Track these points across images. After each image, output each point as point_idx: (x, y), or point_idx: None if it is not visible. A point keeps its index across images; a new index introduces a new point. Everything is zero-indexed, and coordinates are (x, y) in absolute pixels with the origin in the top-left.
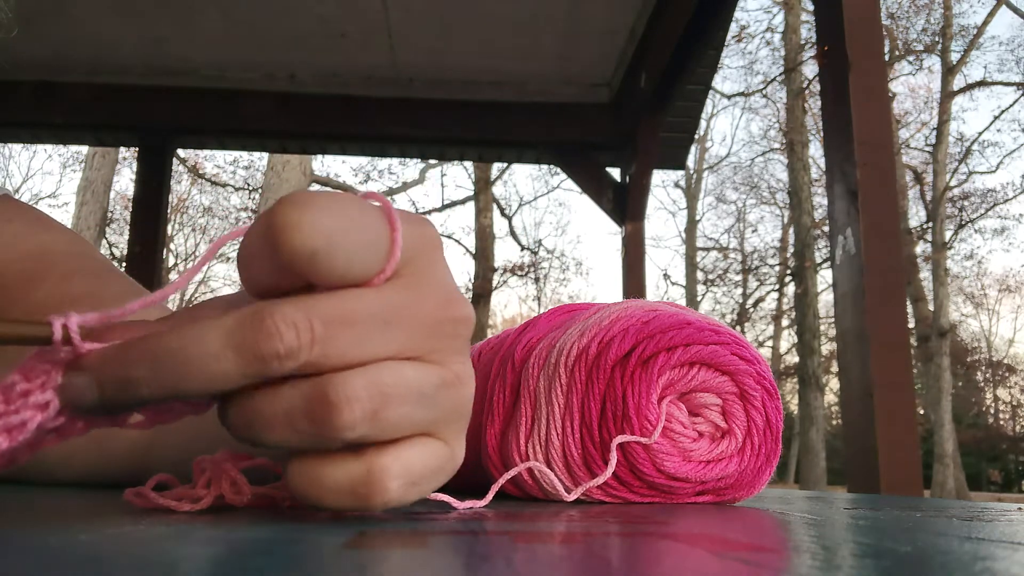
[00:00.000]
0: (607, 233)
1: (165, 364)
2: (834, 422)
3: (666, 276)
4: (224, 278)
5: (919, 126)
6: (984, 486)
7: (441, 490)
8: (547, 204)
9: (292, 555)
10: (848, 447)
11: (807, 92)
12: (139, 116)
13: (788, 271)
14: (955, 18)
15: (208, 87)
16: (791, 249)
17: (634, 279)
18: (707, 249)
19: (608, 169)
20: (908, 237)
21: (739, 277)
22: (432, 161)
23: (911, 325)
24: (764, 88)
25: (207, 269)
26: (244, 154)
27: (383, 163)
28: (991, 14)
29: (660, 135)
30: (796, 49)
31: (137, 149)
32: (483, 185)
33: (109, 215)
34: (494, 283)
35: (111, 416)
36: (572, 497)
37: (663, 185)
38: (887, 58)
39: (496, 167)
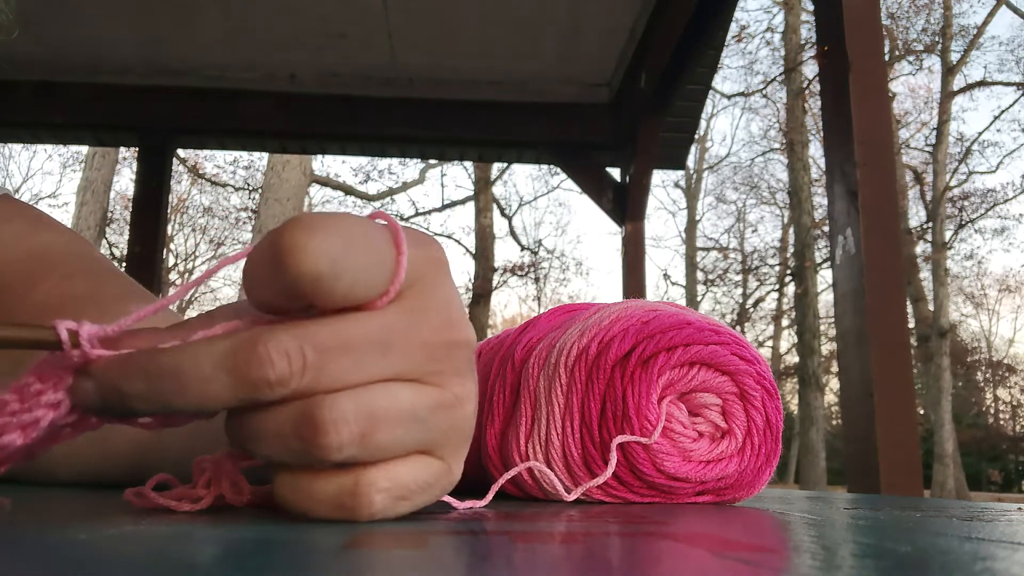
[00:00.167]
0: (607, 233)
1: (160, 381)
2: (834, 422)
3: (666, 276)
4: (225, 278)
5: (919, 126)
6: (984, 486)
7: None
8: (547, 204)
9: (292, 555)
10: (848, 447)
11: (807, 92)
12: (139, 116)
13: (788, 271)
14: (955, 18)
15: (208, 87)
16: (791, 249)
17: (634, 279)
18: (707, 249)
19: (608, 169)
20: (908, 237)
21: (739, 277)
22: (432, 161)
23: (911, 325)
24: (764, 88)
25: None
26: (244, 154)
27: (383, 163)
28: (991, 14)
29: (660, 135)
30: (796, 49)
31: (137, 149)
32: (483, 185)
33: (109, 215)
34: (494, 283)
35: (120, 416)
36: (572, 497)
37: (663, 185)
38: (887, 58)
39: (496, 167)
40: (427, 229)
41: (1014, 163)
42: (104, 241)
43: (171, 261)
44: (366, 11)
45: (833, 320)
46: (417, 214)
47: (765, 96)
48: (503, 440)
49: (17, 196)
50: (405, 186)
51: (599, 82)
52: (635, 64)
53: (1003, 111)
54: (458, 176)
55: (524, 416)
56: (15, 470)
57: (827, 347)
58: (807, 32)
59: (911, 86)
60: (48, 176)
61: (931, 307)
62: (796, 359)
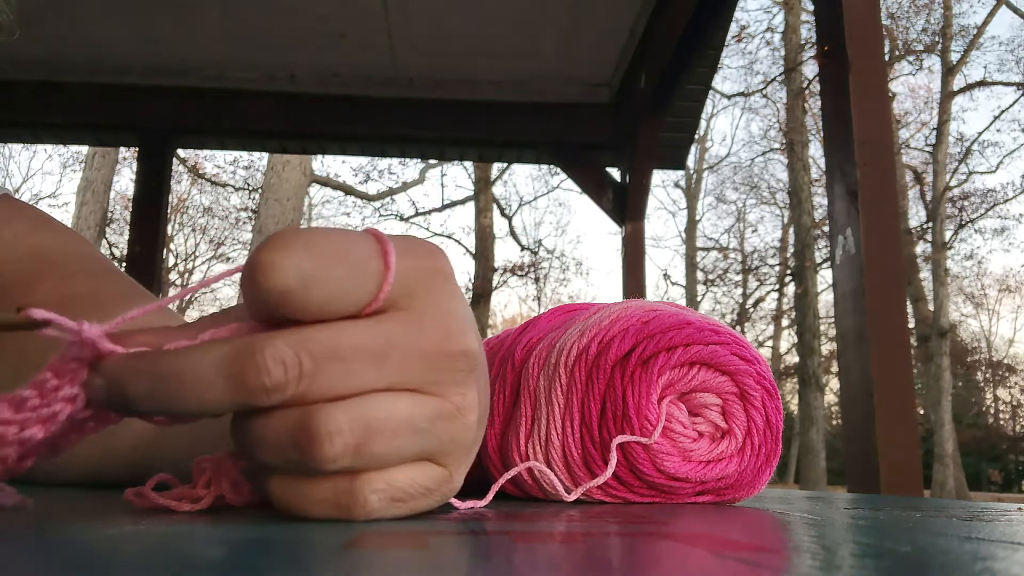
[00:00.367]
0: (607, 233)
1: (162, 385)
2: (834, 422)
3: (666, 276)
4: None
5: (919, 126)
6: (984, 486)
7: None
8: (547, 204)
9: (292, 555)
10: (848, 447)
11: (807, 92)
12: (139, 116)
13: (788, 271)
14: (955, 18)
15: (208, 87)
16: (791, 249)
17: (634, 279)
18: (707, 249)
19: (608, 169)
20: (908, 237)
21: (739, 277)
22: (432, 161)
23: (911, 325)
24: (764, 88)
25: (207, 270)
26: (244, 154)
27: (383, 163)
28: (991, 14)
29: (660, 135)
30: (796, 49)
31: (137, 149)
32: (483, 185)
33: (109, 215)
34: (494, 283)
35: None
36: (572, 497)
37: (663, 185)
38: (887, 58)
39: (496, 167)
40: (427, 229)
41: (1014, 163)
42: (104, 241)
43: (171, 261)
44: (366, 11)
45: (833, 320)
46: (417, 214)
47: (765, 96)
48: (503, 440)
49: (17, 196)
50: (405, 186)
51: (599, 82)
52: (635, 64)
53: (1003, 111)
54: (458, 176)
55: (524, 416)
56: (47, 463)
57: (827, 347)
58: (807, 32)
59: (911, 86)
60: (48, 176)
61: (931, 307)
62: (796, 359)
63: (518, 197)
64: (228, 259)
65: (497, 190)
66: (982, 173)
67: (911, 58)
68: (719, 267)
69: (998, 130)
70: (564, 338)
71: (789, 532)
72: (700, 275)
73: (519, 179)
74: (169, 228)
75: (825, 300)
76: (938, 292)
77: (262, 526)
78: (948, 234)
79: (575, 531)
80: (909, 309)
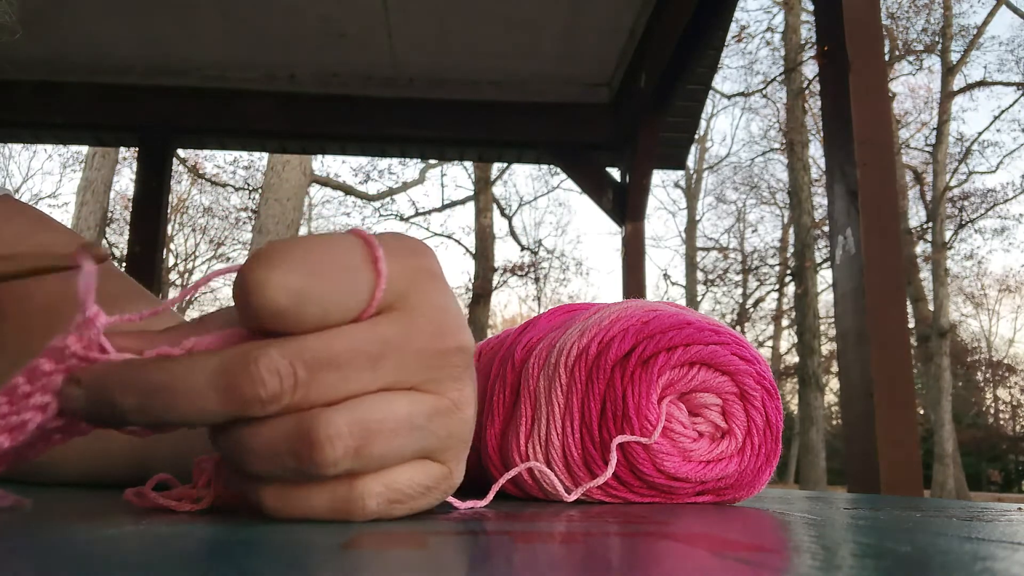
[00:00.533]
0: (607, 233)
1: (153, 397)
2: (834, 422)
3: (666, 276)
4: (225, 278)
5: (919, 126)
6: (984, 486)
7: None
8: (547, 204)
9: (292, 555)
10: (848, 447)
11: (807, 92)
12: (139, 116)
13: (788, 271)
14: (955, 18)
15: (208, 87)
16: (791, 249)
17: (634, 279)
18: (707, 249)
19: (608, 169)
20: (908, 237)
21: (739, 277)
22: (432, 161)
23: (911, 325)
24: (764, 88)
25: (207, 269)
26: (244, 154)
27: (383, 163)
28: (991, 14)
29: (660, 135)
30: (796, 49)
31: (137, 149)
32: (483, 185)
33: (109, 215)
34: (494, 283)
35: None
36: (572, 497)
37: (663, 185)
38: (887, 58)
39: (496, 167)
40: (427, 229)
41: (1014, 163)
42: (104, 241)
43: (171, 261)
44: (366, 11)
45: (833, 320)
46: (417, 214)
47: (765, 96)
48: (503, 440)
49: (17, 196)
50: (405, 186)
51: (599, 82)
52: (635, 64)
53: (1003, 111)
54: (458, 176)
55: (524, 416)
56: (14, 470)
57: (827, 347)
58: (807, 32)
59: (911, 86)
60: (48, 176)
61: (931, 307)
62: (796, 359)
63: (518, 197)
64: (228, 259)
65: (497, 190)
66: (982, 173)
67: (911, 58)
68: (719, 267)
69: (998, 130)
70: (564, 338)
71: (789, 532)
72: (700, 275)
73: (519, 179)
74: (169, 228)
75: (825, 300)
76: (938, 292)
77: (262, 526)
78: (948, 234)
79: (575, 531)
80: (909, 309)
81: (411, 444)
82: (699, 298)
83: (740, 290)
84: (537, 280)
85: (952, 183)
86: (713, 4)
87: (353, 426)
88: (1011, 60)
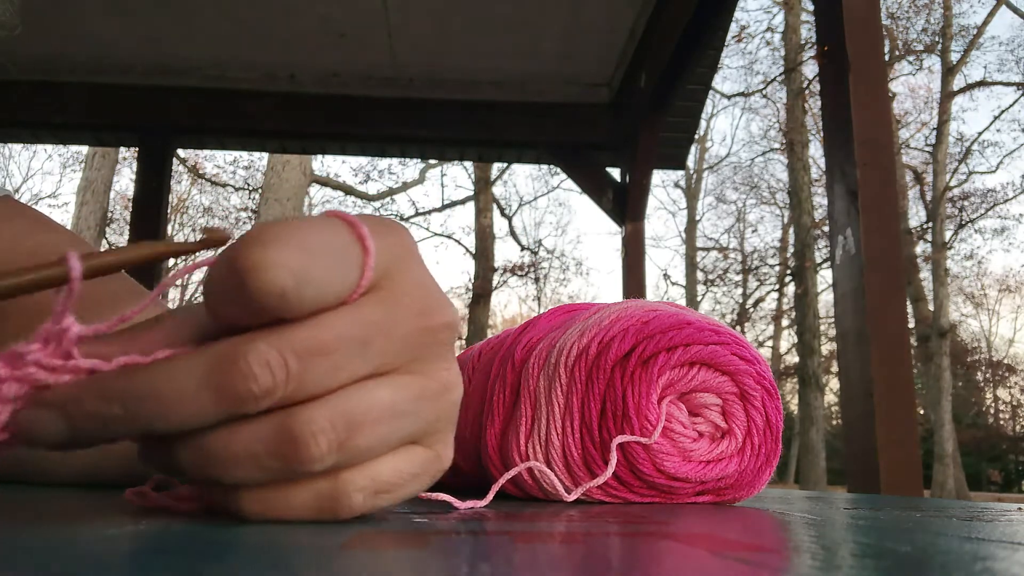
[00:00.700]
0: (607, 233)
1: (139, 404)
2: (834, 422)
3: (666, 276)
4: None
5: (919, 126)
6: (984, 486)
7: (442, 490)
8: (547, 204)
9: (291, 555)
10: (848, 447)
11: (807, 92)
12: (139, 116)
13: (788, 271)
14: (955, 18)
15: (208, 87)
16: (791, 249)
17: (634, 279)
18: (707, 249)
19: (608, 169)
20: (908, 237)
21: (739, 277)
22: (432, 161)
23: (911, 325)
24: (764, 88)
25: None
26: (244, 154)
27: (383, 163)
28: (991, 14)
29: (660, 135)
30: (796, 49)
31: (137, 149)
32: (483, 185)
33: (109, 215)
34: (494, 283)
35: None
36: (572, 497)
37: (663, 185)
38: (887, 58)
39: (496, 167)
40: (427, 229)
41: (1014, 163)
42: (104, 241)
43: (171, 261)
44: (366, 11)
45: (833, 320)
46: (417, 214)
47: (765, 96)
48: (503, 440)
49: (17, 196)
50: (405, 186)
51: (599, 82)
52: (635, 64)
53: (1003, 111)
54: (458, 176)
55: (524, 416)
56: (14, 470)
57: (827, 347)
58: (807, 32)
59: (911, 86)
60: (48, 176)
61: (931, 307)
62: (796, 359)
63: (518, 197)
64: None
65: (497, 190)
66: (982, 173)
67: (911, 58)
68: (719, 267)
69: (998, 130)
70: (564, 338)
71: (789, 532)
72: (700, 275)
73: (519, 179)
74: (169, 228)
75: (825, 300)
76: (938, 292)
77: (262, 526)
78: (948, 234)
79: (575, 531)
80: (909, 309)
81: (397, 432)
82: (699, 298)
83: (740, 290)
84: (537, 280)
85: (952, 183)
86: (713, 4)
87: (336, 420)
88: (1011, 60)
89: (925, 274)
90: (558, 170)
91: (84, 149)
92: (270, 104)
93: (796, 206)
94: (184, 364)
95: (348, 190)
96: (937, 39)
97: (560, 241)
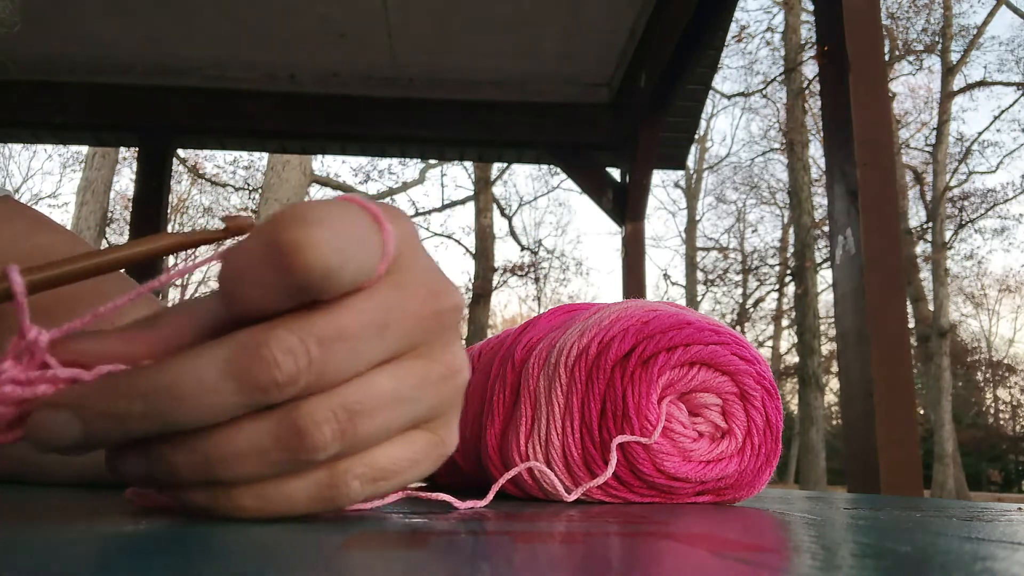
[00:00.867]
0: (607, 233)
1: (159, 399)
2: (834, 422)
3: (666, 276)
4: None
5: (919, 126)
6: (984, 486)
7: (442, 490)
8: (547, 204)
9: (292, 555)
10: (848, 447)
11: (807, 92)
12: (139, 116)
13: (788, 271)
14: (955, 18)
15: (208, 87)
16: (791, 249)
17: (634, 279)
18: (707, 249)
19: (608, 169)
20: (908, 237)
21: (739, 277)
22: (432, 161)
23: (911, 325)
24: (764, 88)
25: (207, 269)
26: (244, 154)
27: (383, 163)
28: (991, 14)
29: (660, 135)
30: (796, 49)
31: (137, 149)
32: (483, 185)
33: (109, 215)
34: (494, 283)
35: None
36: (572, 497)
37: (663, 185)
38: (887, 58)
39: (496, 167)
40: (427, 229)
41: (1014, 163)
42: (104, 241)
43: (171, 261)
44: (366, 11)
45: (833, 320)
46: (417, 214)
47: (765, 96)
48: (503, 440)
49: (17, 196)
50: (405, 186)
51: (599, 82)
52: (635, 64)
53: (1003, 111)
54: (458, 176)
55: (524, 416)
56: (14, 470)
57: (827, 347)
58: (807, 32)
59: (911, 86)
60: (48, 176)
61: (931, 307)
62: (796, 359)
63: (518, 197)
64: None
65: (497, 190)
66: (982, 173)
67: (911, 58)
68: (719, 267)
69: (998, 130)
70: (564, 338)
71: (789, 532)
72: (700, 275)
73: (519, 179)
74: (169, 228)
75: (825, 300)
76: (938, 292)
77: (262, 526)
78: (948, 234)
79: (575, 531)
80: (909, 309)
81: (400, 418)
82: (699, 298)
83: (740, 290)
84: (537, 280)
85: (952, 183)
86: (713, 4)
87: (338, 409)
88: (1011, 60)
89: (925, 274)
90: (558, 170)
91: (84, 149)
92: (270, 104)
93: (796, 206)
94: (204, 355)
95: (348, 190)
96: (937, 39)
97: (560, 241)
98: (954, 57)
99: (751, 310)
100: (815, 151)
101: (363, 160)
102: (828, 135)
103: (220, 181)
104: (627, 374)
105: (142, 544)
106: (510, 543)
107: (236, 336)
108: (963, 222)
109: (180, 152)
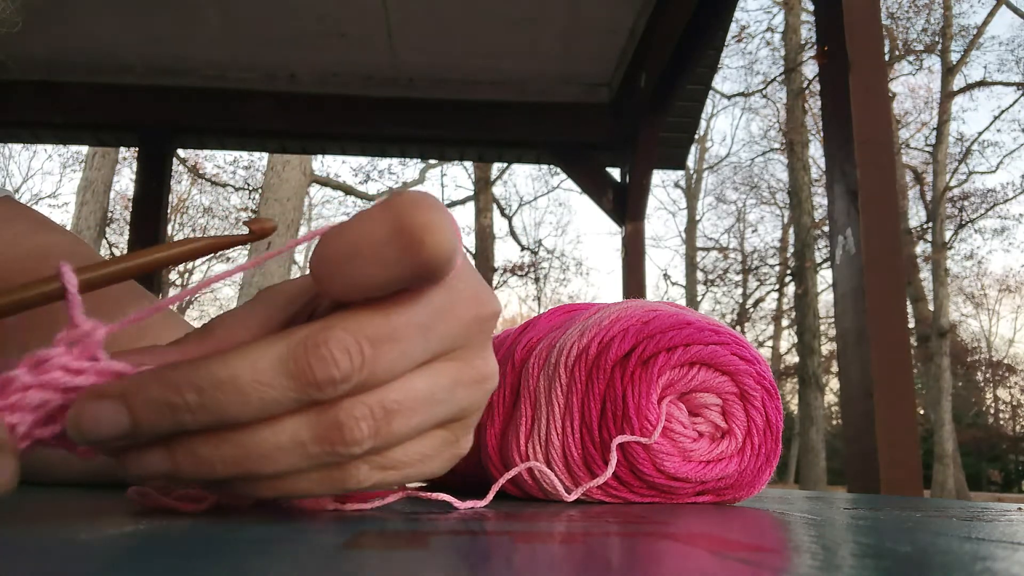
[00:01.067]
0: (607, 233)
1: (216, 392)
2: (834, 422)
3: (666, 276)
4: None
5: (919, 126)
6: (984, 486)
7: (442, 490)
8: (547, 204)
9: (292, 555)
10: (848, 447)
11: (807, 92)
12: (139, 116)
13: (788, 271)
14: (955, 18)
15: (208, 87)
16: (791, 249)
17: (634, 279)
18: (707, 249)
19: (608, 169)
20: (908, 237)
21: (739, 277)
22: (432, 161)
23: (911, 325)
24: (764, 88)
25: (207, 270)
26: (244, 154)
27: (383, 163)
28: (991, 14)
29: (660, 135)
30: (796, 49)
31: (137, 149)
32: (483, 185)
33: (109, 215)
34: (494, 283)
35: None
36: (572, 497)
37: (663, 185)
38: (887, 58)
39: (496, 167)
40: None
41: (1014, 163)
42: (104, 241)
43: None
44: (366, 11)
45: (833, 320)
46: None
47: (765, 96)
48: (503, 440)
49: (17, 196)
50: (405, 186)
51: (599, 82)
52: (635, 64)
53: (1003, 111)
54: (458, 176)
55: (524, 416)
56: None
57: (827, 347)
58: (807, 32)
59: (911, 86)
60: (48, 176)
61: (931, 307)
62: (796, 359)
63: (518, 197)
64: (228, 259)
65: (497, 190)
66: (982, 173)
67: (911, 58)
68: (719, 267)
69: (998, 130)
70: (564, 338)
71: (789, 532)
72: (700, 275)
73: (519, 179)
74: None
75: (825, 300)
76: (938, 292)
77: (263, 526)
78: (948, 234)
79: (575, 531)
80: (909, 309)
81: (431, 419)
82: (699, 298)
83: (740, 290)
84: (537, 280)
85: (952, 183)
86: (713, 4)
87: (375, 406)
88: (1011, 60)
89: (925, 274)
90: (558, 170)
91: (84, 149)
92: (270, 104)
93: (796, 206)
94: (260, 351)
95: (348, 190)
96: (937, 39)
97: (560, 241)
98: (954, 57)
99: (751, 310)
100: (815, 151)
101: (363, 160)
102: (828, 135)
103: (220, 181)
104: (627, 374)
105: (142, 544)
106: (510, 543)
107: (294, 333)
108: (963, 222)
109: (180, 152)
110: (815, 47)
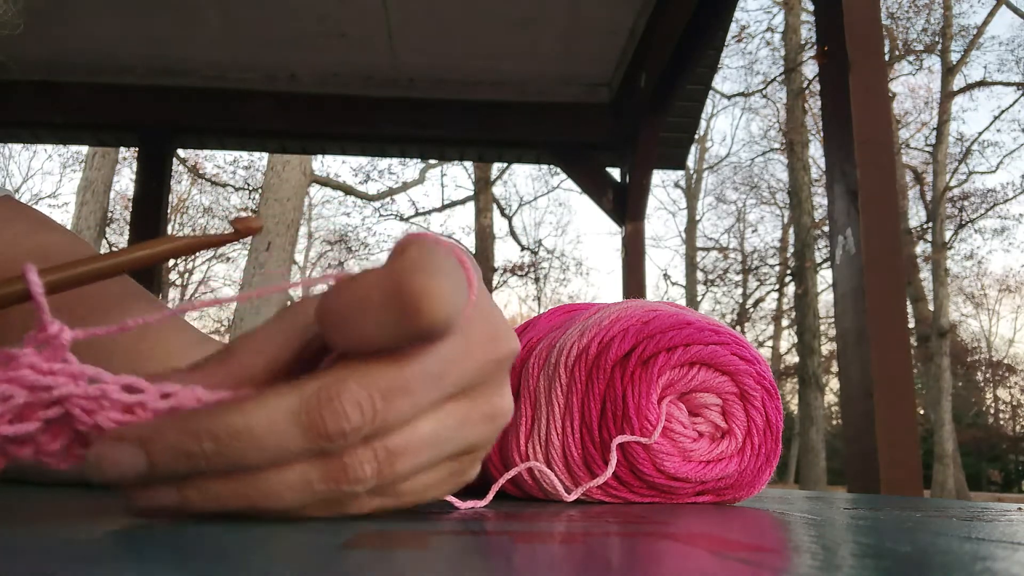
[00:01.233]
0: (607, 233)
1: (231, 441)
2: (834, 422)
3: (666, 276)
4: (224, 278)
5: (919, 126)
6: (984, 486)
7: None
8: (547, 204)
9: (292, 555)
10: (848, 447)
11: (807, 92)
12: (139, 116)
13: (788, 271)
14: (955, 18)
15: (208, 87)
16: (791, 249)
17: (634, 279)
18: (707, 249)
19: (608, 169)
20: (908, 237)
21: (739, 277)
22: (432, 161)
23: (911, 325)
24: (764, 88)
25: (207, 269)
26: (244, 154)
27: (383, 163)
28: (991, 14)
29: (660, 135)
30: (796, 49)
31: (137, 149)
32: (483, 185)
33: (109, 215)
34: (494, 283)
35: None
36: (572, 497)
37: (663, 185)
38: (887, 58)
39: (496, 167)
40: (427, 229)
41: (1014, 163)
42: (104, 241)
43: (171, 261)
44: (366, 11)
45: (833, 320)
46: (417, 214)
47: (765, 96)
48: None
49: (17, 196)
50: (405, 186)
51: (599, 82)
52: (635, 64)
53: (1003, 111)
54: (458, 176)
55: (524, 416)
56: (15, 469)
57: (827, 347)
58: (807, 32)
59: (911, 86)
60: (48, 176)
61: (931, 307)
62: (796, 359)
63: (518, 197)
64: (228, 259)
65: (497, 190)
66: (982, 173)
67: (911, 58)
68: (719, 267)
69: (998, 130)
70: (564, 338)
71: (789, 532)
72: (700, 275)
73: (519, 179)
74: (169, 228)
75: (825, 300)
76: (938, 292)
77: (263, 526)
78: (948, 234)
79: (575, 531)
80: (909, 309)
81: (437, 457)
82: (699, 298)
83: (740, 290)
84: (537, 280)
85: (952, 183)
86: (713, 4)
87: (379, 449)
88: (1011, 60)
89: (925, 274)
90: (558, 170)
91: (84, 149)
92: (270, 104)
93: (796, 206)
94: (275, 402)
95: (348, 190)
96: (937, 39)
97: (560, 241)
98: (954, 57)
99: (751, 310)
100: (815, 151)
101: (363, 160)
102: (828, 135)
103: (220, 181)
104: (627, 374)
105: (142, 544)
106: (510, 543)
107: (307, 385)
108: (963, 222)
109: (180, 152)
110: (815, 47)
